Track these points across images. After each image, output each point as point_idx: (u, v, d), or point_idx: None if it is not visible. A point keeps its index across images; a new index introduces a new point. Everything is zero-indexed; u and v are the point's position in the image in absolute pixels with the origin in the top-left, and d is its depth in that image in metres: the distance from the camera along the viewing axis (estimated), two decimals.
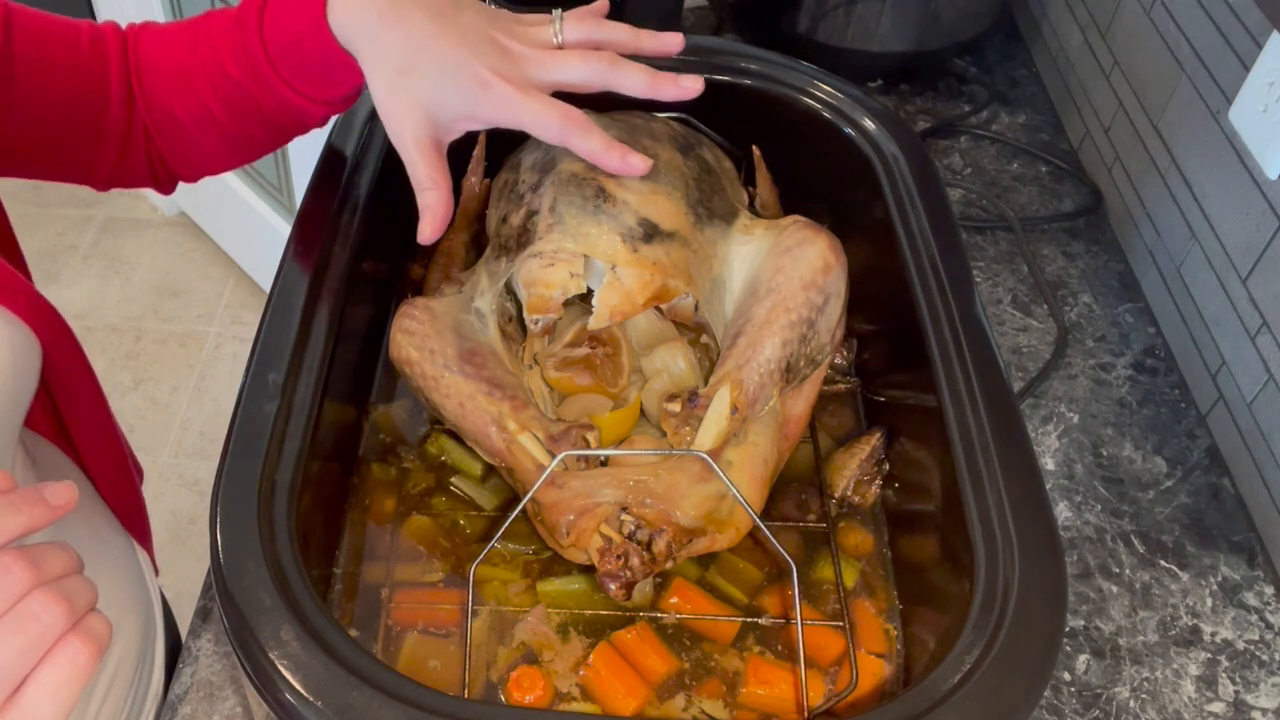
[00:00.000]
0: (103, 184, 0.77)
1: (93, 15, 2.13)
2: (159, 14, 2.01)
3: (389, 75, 0.65)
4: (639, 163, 0.70)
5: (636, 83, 0.69)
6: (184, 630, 0.81)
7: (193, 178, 0.80)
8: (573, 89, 0.69)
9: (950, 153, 1.15)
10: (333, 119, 0.80)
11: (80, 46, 0.70)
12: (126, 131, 0.73)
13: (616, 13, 1.05)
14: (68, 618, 0.43)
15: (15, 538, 0.44)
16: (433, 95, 0.65)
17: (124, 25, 0.74)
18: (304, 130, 0.75)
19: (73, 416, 0.71)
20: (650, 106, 0.89)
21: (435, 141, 0.67)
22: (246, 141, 0.75)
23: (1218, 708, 0.72)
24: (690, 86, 0.70)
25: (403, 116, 0.65)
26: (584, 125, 0.67)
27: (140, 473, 0.84)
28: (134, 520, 0.81)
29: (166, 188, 0.80)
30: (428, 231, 0.67)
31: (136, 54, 0.72)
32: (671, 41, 0.74)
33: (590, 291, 0.75)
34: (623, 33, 0.72)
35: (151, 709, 0.78)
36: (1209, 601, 0.78)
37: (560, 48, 0.69)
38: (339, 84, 0.70)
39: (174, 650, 0.84)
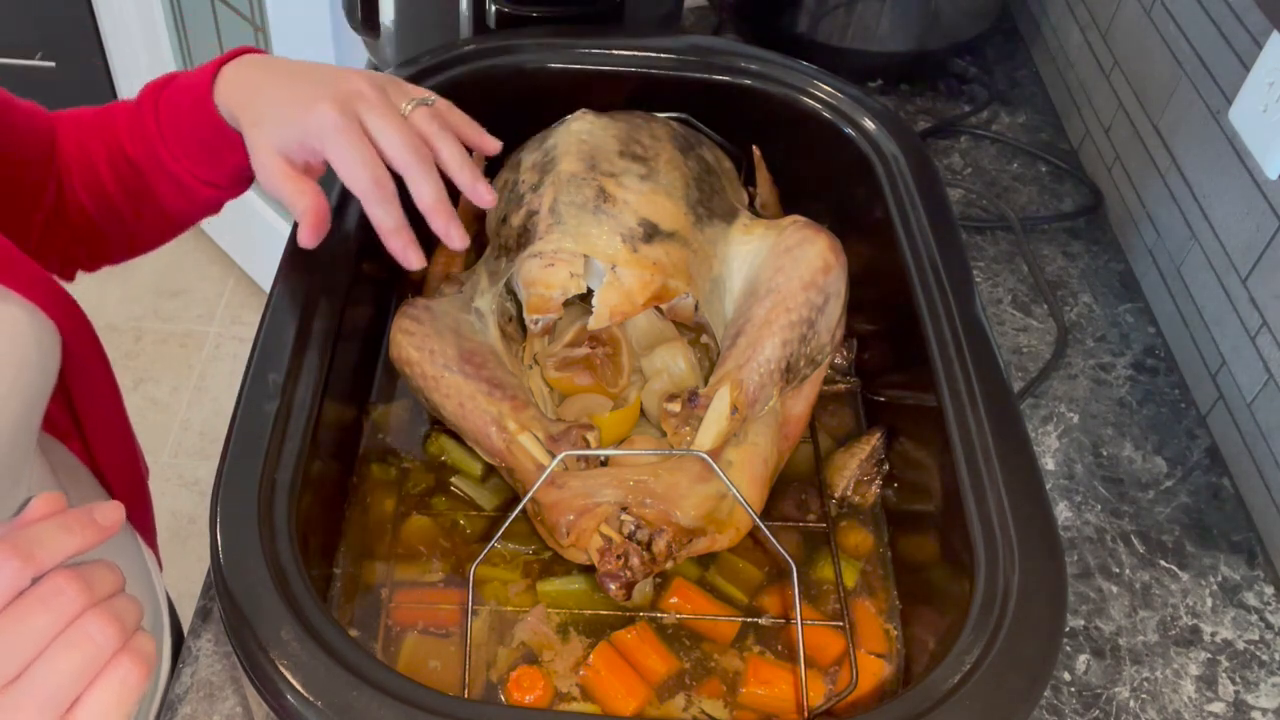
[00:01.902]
0: None
1: (93, 16, 2.13)
2: (159, 13, 2.01)
3: (250, 130, 0.68)
4: (415, 258, 0.68)
5: (425, 194, 0.67)
6: (186, 629, 0.81)
7: (93, 267, 0.83)
8: (384, 156, 0.67)
9: (950, 153, 1.15)
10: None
11: (39, 124, 0.74)
12: (52, 211, 0.76)
13: (617, 12, 1.06)
14: (119, 638, 0.44)
15: (68, 558, 0.45)
16: (274, 133, 0.67)
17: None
18: (197, 216, 0.79)
19: (88, 410, 0.72)
20: (647, 105, 0.89)
21: (294, 168, 0.68)
22: (143, 228, 0.78)
23: (1218, 708, 0.72)
24: (478, 203, 0.70)
25: (262, 161, 0.68)
26: (388, 195, 0.66)
27: (147, 471, 0.85)
28: (141, 517, 0.81)
29: (69, 274, 0.82)
30: (308, 235, 0.67)
31: (60, 139, 0.76)
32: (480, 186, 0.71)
33: (590, 291, 0.75)
34: (456, 153, 0.70)
35: (156, 706, 0.78)
36: (1209, 601, 0.78)
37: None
38: (221, 162, 0.73)
39: (178, 648, 0.84)
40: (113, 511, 0.47)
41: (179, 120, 0.72)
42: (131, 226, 0.78)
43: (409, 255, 0.67)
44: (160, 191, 0.75)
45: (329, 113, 0.65)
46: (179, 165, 0.73)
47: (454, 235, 0.68)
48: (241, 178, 0.76)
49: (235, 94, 0.70)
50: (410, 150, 0.66)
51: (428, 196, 0.67)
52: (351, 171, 0.65)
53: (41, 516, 0.46)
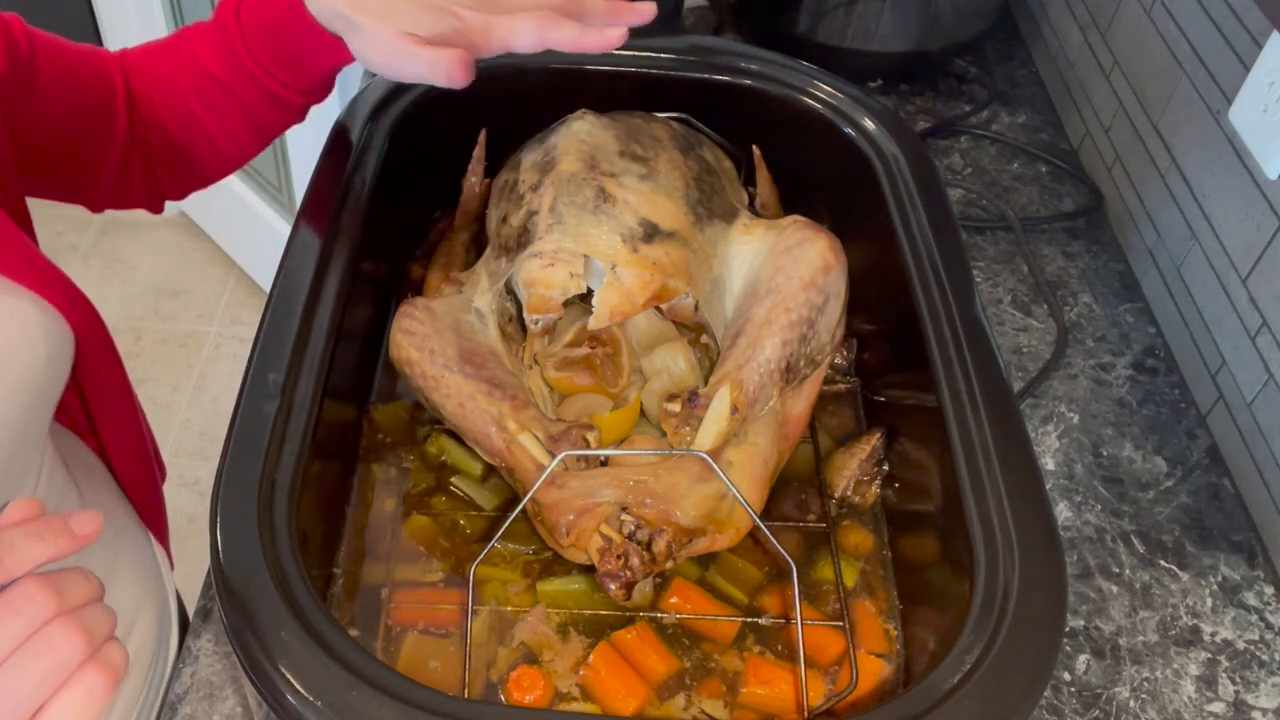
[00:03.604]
0: (101, 203, 0.79)
1: (93, 16, 2.13)
2: (159, 13, 2.01)
3: (371, 21, 0.68)
4: (615, 36, 0.69)
5: (598, 7, 0.70)
6: None
7: (180, 194, 0.83)
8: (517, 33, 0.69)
9: (950, 153, 1.15)
10: (326, 124, 0.79)
11: (92, 65, 0.73)
12: (128, 148, 0.76)
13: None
14: (87, 648, 0.44)
15: (38, 566, 0.45)
16: (412, 27, 0.68)
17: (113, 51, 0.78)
18: (283, 126, 0.78)
19: (100, 408, 0.72)
20: (647, 105, 0.89)
21: (424, 43, 0.69)
22: (230, 144, 0.78)
23: (1218, 708, 0.72)
24: (614, 37, 0.70)
25: (391, 41, 0.68)
26: (555, 19, 0.68)
27: (163, 471, 0.85)
28: (153, 515, 0.82)
29: (157, 206, 0.83)
30: (458, 75, 0.68)
31: (127, 73, 0.75)
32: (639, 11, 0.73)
33: (590, 291, 0.75)
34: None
35: (158, 706, 0.78)
36: (1209, 601, 0.78)
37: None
38: (315, 67, 0.73)
39: None
40: (90, 522, 0.47)
41: (268, 32, 0.72)
42: (220, 144, 0.78)
43: (608, 35, 0.68)
44: (250, 105, 0.75)
45: (472, 15, 0.68)
46: (271, 78, 0.73)
47: (611, 33, 0.69)
48: (331, 81, 0.76)
49: None
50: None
51: (572, 36, 0.69)
52: (526, 27, 0.68)
53: (15, 522, 0.45)
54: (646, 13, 0.72)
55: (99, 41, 2.17)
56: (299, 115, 0.78)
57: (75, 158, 0.74)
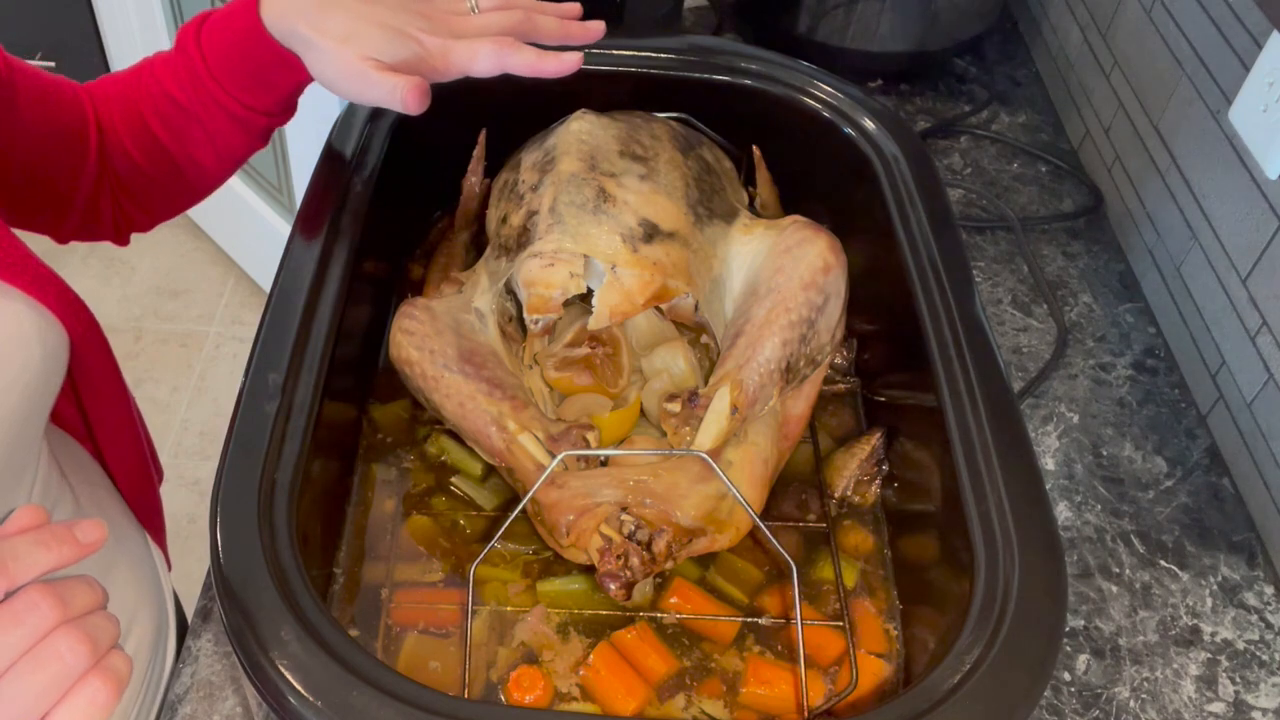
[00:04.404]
0: (68, 234, 0.79)
1: (93, 16, 2.13)
2: (159, 14, 2.01)
3: (332, 44, 0.68)
4: (571, 60, 0.71)
5: (550, 29, 0.73)
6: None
7: (147, 225, 0.83)
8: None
9: (950, 153, 1.15)
10: (326, 124, 0.79)
11: (66, 94, 0.74)
12: (98, 179, 0.76)
13: (617, 12, 1.06)
14: (91, 657, 0.44)
15: (42, 574, 0.45)
16: (375, 54, 0.68)
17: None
18: (245, 149, 0.78)
19: (96, 410, 0.72)
20: (647, 105, 0.89)
21: (385, 68, 0.69)
22: (194, 170, 0.78)
23: (1218, 708, 0.72)
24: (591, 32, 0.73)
25: (351, 68, 0.68)
26: (513, 44, 0.70)
27: (160, 472, 0.85)
28: (150, 516, 0.82)
29: (124, 239, 0.83)
30: (413, 103, 0.68)
31: (95, 103, 0.76)
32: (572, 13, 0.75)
33: (590, 291, 0.75)
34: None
35: (157, 705, 0.78)
36: (1209, 601, 0.78)
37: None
38: (275, 87, 0.73)
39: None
40: (95, 530, 0.47)
41: (228, 52, 0.72)
42: (184, 170, 0.78)
43: (565, 60, 0.70)
44: (213, 128, 0.75)
45: (434, 41, 0.69)
46: (231, 98, 0.73)
47: (567, 58, 0.71)
48: (292, 102, 0.76)
49: (292, 10, 0.70)
50: (514, 19, 0.72)
51: (552, 25, 0.72)
52: (485, 60, 0.69)
53: (20, 530, 0.45)
54: (595, 31, 0.74)
55: (100, 43, 2.17)
56: (261, 138, 0.78)
57: (47, 185, 0.74)
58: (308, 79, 0.73)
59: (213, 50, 0.72)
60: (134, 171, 0.77)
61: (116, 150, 0.76)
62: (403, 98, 0.67)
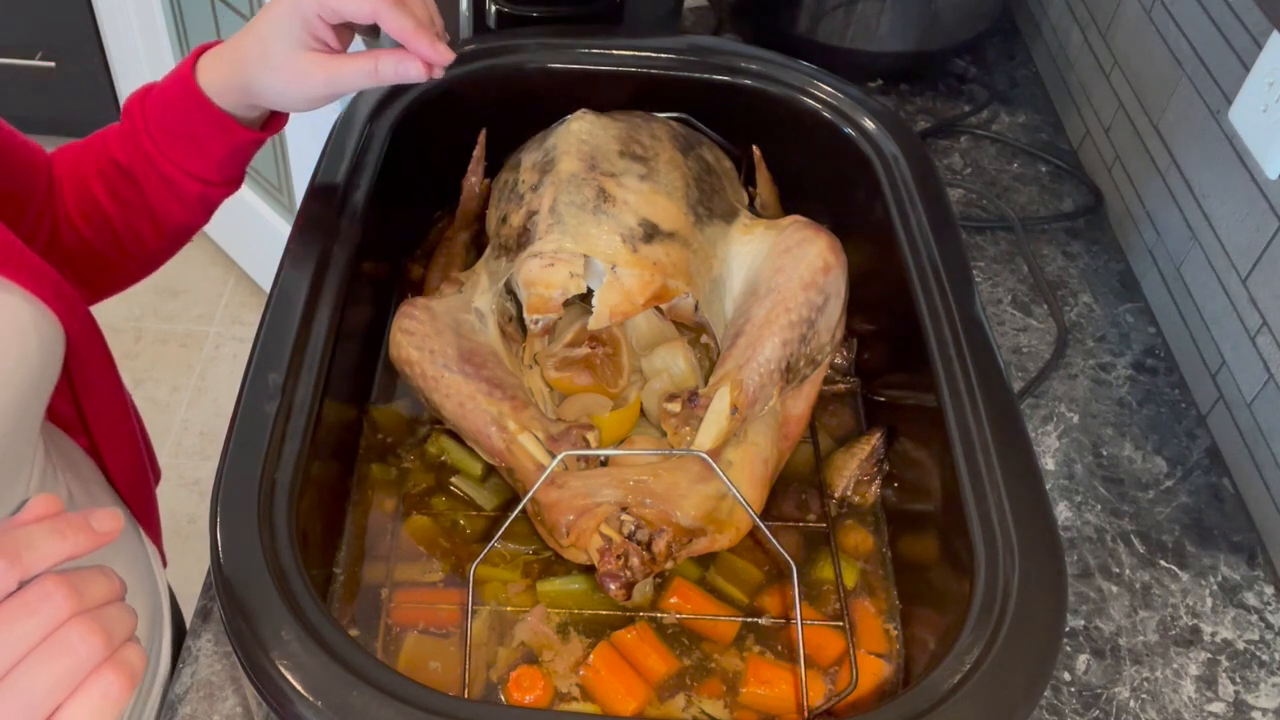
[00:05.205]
0: None
1: (93, 16, 2.13)
2: (159, 13, 2.01)
3: (258, 68, 0.71)
4: (444, 51, 0.69)
5: (404, 24, 0.70)
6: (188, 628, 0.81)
7: (93, 298, 0.83)
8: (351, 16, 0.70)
9: (950, 153, 1.15)
10: (326, 124, 0.79)
11: (33, 152, 0.76)
12: (48, 244, 0.77)
13: (617, 12, 1.05)
14: (105, 649, 0.43)
15: (57, 563, 0.44)
16: (285, 41, 0.70)
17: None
18: (184, 220, 0.79)
19: (91, 406, 0.72)
20: (647, 105, 0.89)
21: (331, 53, 0.71)
22: (135, 241, 0.79)
23: (1218, 708, 0.72)
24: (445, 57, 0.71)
25: (303, 70, 0.70)
26: (397, 4, 0.68)
27: (156, 470, 0.85)
28: (146, 513, 0.82)
29: None
30: (414, 70, 0.69)
31: (50, 167, 0.77)
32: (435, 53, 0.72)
33: (590, 291, 0.75)
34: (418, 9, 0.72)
35: (156, 698, 0.78)
36: (1209, 601, 0.78)
37: None
38: (208, 149, 0.75)
39: (179, 641, 0.85)
40: (110, 520, 0.46)
41: (165, 113, 0.74)
42: (127, 243, 0.79)
43: (438, 49, 0.69)
44: (150, 192, 0.76)
45: None
46: (166, 160, 0.75)
47: (441, 50, 0.69)
48: (228, 174, 0.78)
49: (220, 65, 0.73)
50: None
51: (408, 25, 0.69)
52: (360, 6, 0.67)
53: (36, 518, 0.45)
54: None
55: (100, 43, 2.17)
56: (200, 210, 0.79)
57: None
58: (243, 142, 0.74)
59: (153, 112, 0.75)
60: (78, 240, 0.78)
61: (62, 218, 0.77)
62: (376, 67, 0.68)
